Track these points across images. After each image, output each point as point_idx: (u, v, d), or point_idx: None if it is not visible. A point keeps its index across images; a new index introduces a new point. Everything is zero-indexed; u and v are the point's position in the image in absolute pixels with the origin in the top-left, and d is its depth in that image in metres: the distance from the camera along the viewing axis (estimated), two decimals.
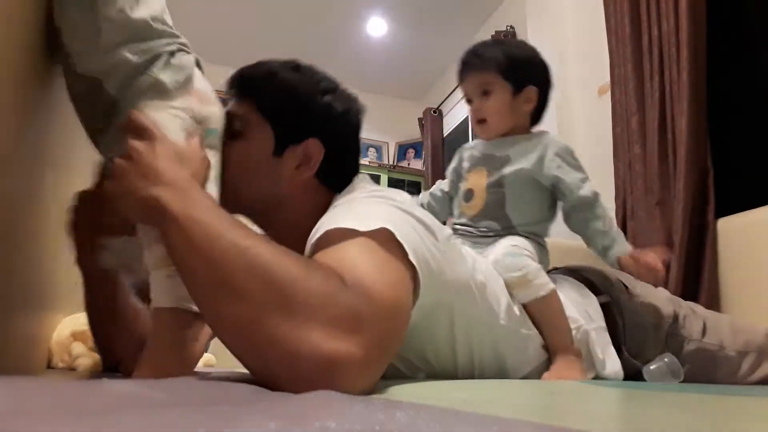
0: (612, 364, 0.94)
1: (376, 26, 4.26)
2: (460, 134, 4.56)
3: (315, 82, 0.85)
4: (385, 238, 0.61)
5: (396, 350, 0.59)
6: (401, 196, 0.76)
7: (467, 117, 4.49)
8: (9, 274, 0.71)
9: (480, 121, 1.15)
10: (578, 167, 1.11)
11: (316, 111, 0.83)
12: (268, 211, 0.83)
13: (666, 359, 0.92)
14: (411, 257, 0.62)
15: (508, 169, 1.10)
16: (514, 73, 1.13)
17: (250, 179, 0.82)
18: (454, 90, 4.60)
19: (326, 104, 0.84)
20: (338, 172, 0.86)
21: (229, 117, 0.80)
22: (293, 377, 0.46)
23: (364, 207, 0.71)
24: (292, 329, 0.47)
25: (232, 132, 0.80)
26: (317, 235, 0.64)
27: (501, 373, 0.88)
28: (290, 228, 0.79)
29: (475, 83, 1.14)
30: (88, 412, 0.28)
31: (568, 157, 1.11)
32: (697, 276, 1.80)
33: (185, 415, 0.27)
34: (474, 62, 1.15)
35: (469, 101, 1.18)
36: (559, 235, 2.72)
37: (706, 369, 0.95)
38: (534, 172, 1.09)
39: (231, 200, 0.80)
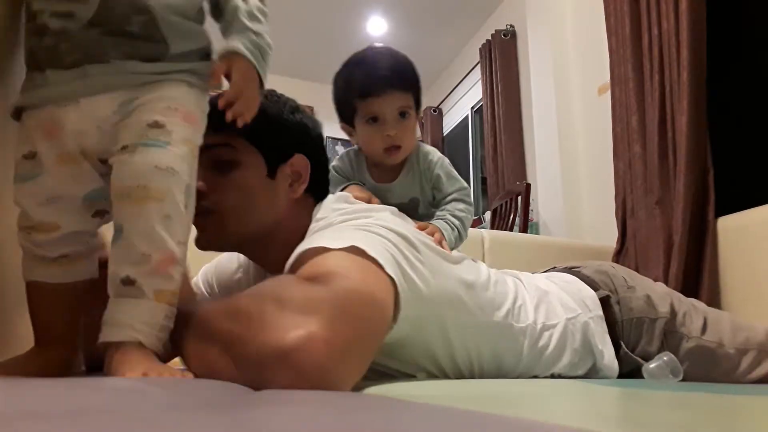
0: (609, 353, 0.94)
1: (376, 25, 4.26)
2: (460, 133, 4.56)
3: (283, 103, 0.88)
4: (356, 254, 0.65)
5: (371, 342, 0.61)
6: (380, 213, 0.80)
7: (467, 116, 4.50)
8: (10, 274, 0.71)
9: (395, 148, 0.99)
10: (453, 179, 1.04)
11: (294, 129, 0.88)
12: (268, 235, 0.85)
13: (665, 357, 0.92)
14: (388, 269, 0.65)
15: (420, 209, 1.06)
16: (420, 100, 1.04)
17: (253, 206, 0.84)
18: (453, 89, 4.60)
19: (299, 121, 0.89)
20: (321, 182, 0.91)
21: (218, 147, 0.81)
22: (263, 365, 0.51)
23: (338, 230, 0.74)
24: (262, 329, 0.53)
25: (224, 162, 0.82)
26: (292, 259, 0.69)
27: (500, 370, 0.88)
28: (286, 247, 0.78)
29: (396, 104, 0.98)
30: (92, 411, 0.28)
31: (441, 171, 1.04)
32: (697, 275, 1.80)
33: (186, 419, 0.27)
34: (397, 80, 0.99)
35: (374, 119, 0.98)
36: (559, 234, 2.74)
37: (706, 367, 0.95)
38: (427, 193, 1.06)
39: (234, 231, 0.83)
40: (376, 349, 0.63)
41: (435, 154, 1.06)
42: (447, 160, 1.06)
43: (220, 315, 0.60)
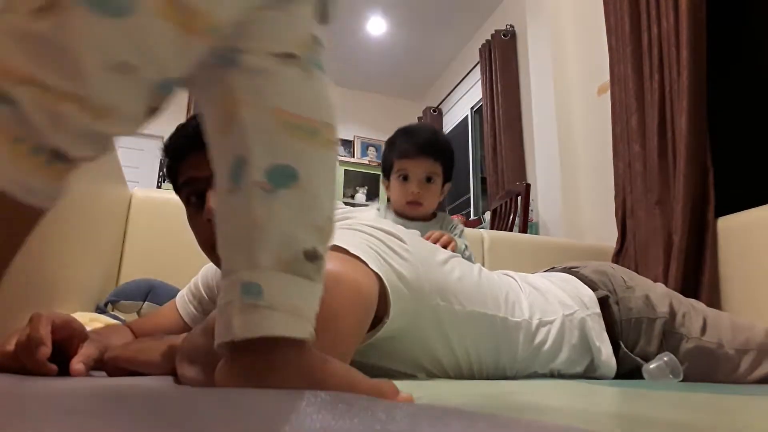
0: (606, 351, 0.95)
1: (376, 25, 4.26)
2: (460, 133, 4.56)
3: None
4: (338, 251, 0.65)
5: (344, 319, 0.58)
6: (364, 213, 0.83)
7: (467, 116, 4.51)
8: (10, 273, 0.71)
9: (416, 204, 1.24)
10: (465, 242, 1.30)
11: None
12: None
13: (665, 358, 0.92)
14: (371, 265, 0.66)
15: None
16: (449, 171, 1.28)
17: None
18: (453, 89, 4.60)
19: None
20: None
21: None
22: None
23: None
24: None
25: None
26: None
27: (497, 367, 0.88)
28: None
29: (424, 168, 1.22)
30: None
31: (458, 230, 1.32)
32: (697, 275, 1.80)
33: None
34: (429, 149, 1.22)
35: (404, 177, 1.23)
36: (559, 234, 2.74)
37: (705, 367, 0.95)
38: None
39: None
40: (356, 327, 0.61)
41: (460, 224, 1.33)
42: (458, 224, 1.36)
43: (196, 335, 0.56)
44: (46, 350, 0.59)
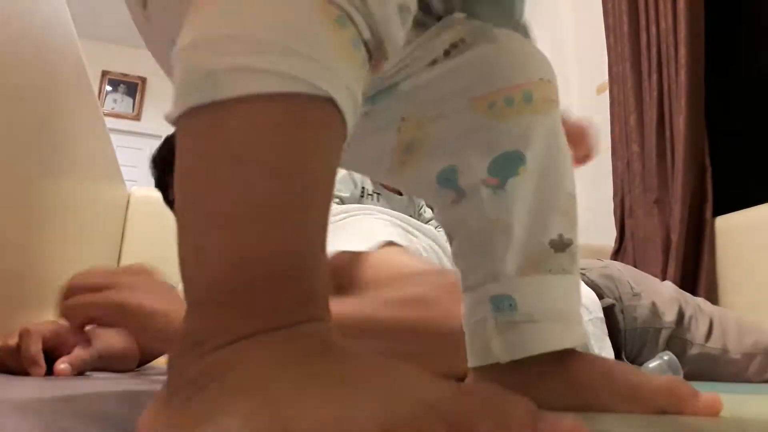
0: (607, 356, 0.94)
1: None
2: None
3: None
4: (393, 249, 0.65)
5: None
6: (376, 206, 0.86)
7: None
8: (8, 273, 0.71)
9: None
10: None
11: None
12: None
13: (665, 357, 0.92)
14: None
15: None
16: None
17: None
18: None
19: None
20: None
21: None
22: None
23: (358, 224, 0.73)
24: None
25: None
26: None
27: None
28: None
29: None
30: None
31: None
32: (695, 274, 1.80)
33: None
34: None
35: None
36: None
37: (708, 370, 0.95)
38: None
39: None
40: None
41: None
42: None
43: (390, 307, 0.55)
44: (40, 371, 0.59)
